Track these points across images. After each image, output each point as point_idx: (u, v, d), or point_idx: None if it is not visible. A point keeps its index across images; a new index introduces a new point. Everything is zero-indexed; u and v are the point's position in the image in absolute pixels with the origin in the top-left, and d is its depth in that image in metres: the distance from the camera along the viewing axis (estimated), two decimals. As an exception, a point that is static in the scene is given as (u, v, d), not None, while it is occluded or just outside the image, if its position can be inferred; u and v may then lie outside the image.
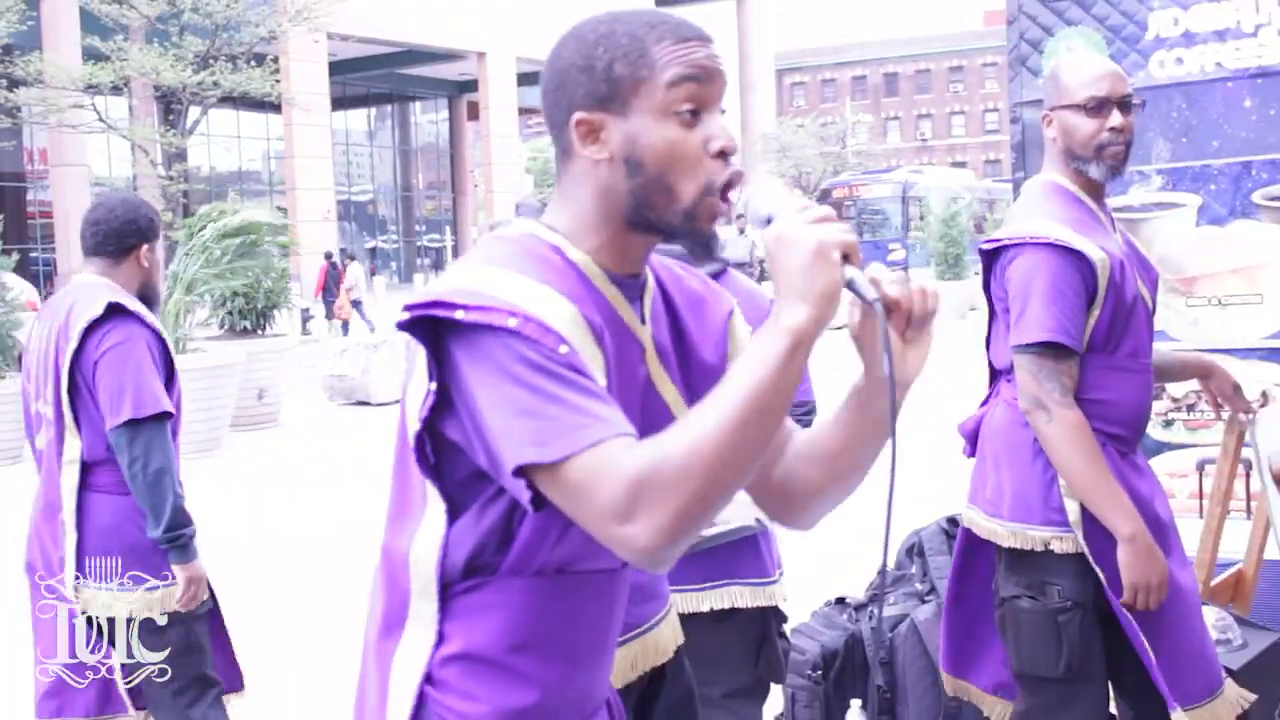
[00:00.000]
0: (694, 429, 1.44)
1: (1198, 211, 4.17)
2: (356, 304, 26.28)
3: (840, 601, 4.57)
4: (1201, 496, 4.01)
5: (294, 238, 18.41)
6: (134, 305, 3.58)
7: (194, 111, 24.19)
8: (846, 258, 1.50)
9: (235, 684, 3.83)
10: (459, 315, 1.52)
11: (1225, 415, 3.50)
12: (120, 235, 3.66)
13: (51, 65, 23.97)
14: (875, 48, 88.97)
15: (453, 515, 1.65)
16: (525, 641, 1.68)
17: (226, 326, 13.80)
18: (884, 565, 1.53)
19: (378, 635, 1.74)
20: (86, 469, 3.55)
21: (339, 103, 38.98)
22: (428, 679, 1.68)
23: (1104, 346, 2.96)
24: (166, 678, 3.57)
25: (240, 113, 41.68)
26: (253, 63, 24.41)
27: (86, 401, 3.52)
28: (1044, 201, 3.03)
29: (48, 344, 3.59)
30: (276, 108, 34.14)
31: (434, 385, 1.57)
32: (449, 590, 1.66)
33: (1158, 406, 4.21)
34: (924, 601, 4.37)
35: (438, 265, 50.14)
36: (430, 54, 44.44)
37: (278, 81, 25.11)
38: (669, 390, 1.77)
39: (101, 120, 24.35)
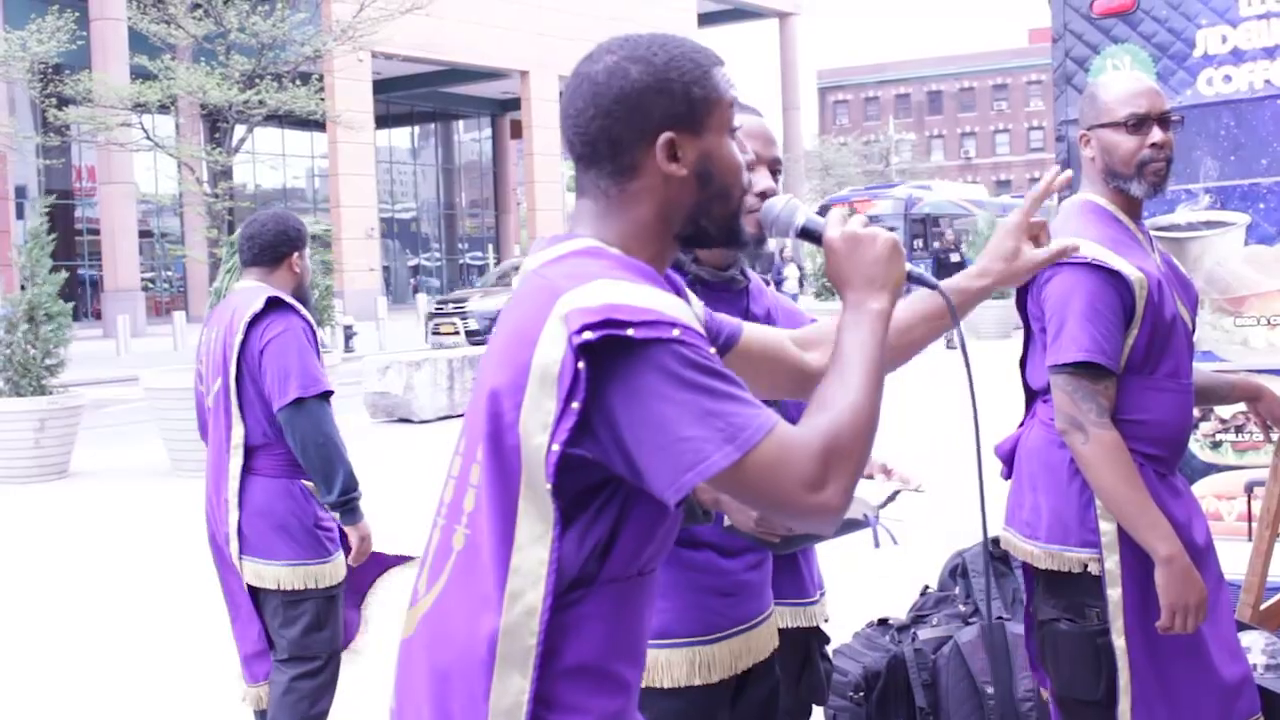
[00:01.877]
0: (845, 400, 1.64)
1: (1246, 230, 4.12)
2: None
3: (882, 622, 4.54)
4: (1250, 519, 3.95)
5: (336, 254, 18.52)
6: (289, 299, 3.99)
7: (239, 129, 24.37)
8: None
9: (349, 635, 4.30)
10: (630, 333, 1.58)
11: (1275, 437, 3.45)
12: (274, 246, 4.06)
13: (100, 84, 24.24)
14: (918, 65, 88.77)
15: (561, 533, 1.67)
16: (619, 646, 1.75)
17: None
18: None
19: (465, 668, 1.71)
20: (248, 453, 3.95)
21: (383, 121, 39.27)
22: (536, 699, 1.68)
23: (1142, 367, 2.93)
24: (292, 648, 4.00)
25: (285, 131, 42.09)
26: (298, 81, 24.61)
27: (249, 390, 3.92)
28: (1081, 221, 3.00)
29: (215, 345, 4.00)
30: (321, 126, 34.41)
31: (578, 405, 1.60)
32: (557, 605, 1.68)
33: (1205, 428, 4.16)
34: (967, 623, 4.34)
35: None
36: (473, 73, 44.67)
37: (322, 100, 25.29)
38: None
39: (149, 138, 24.57)
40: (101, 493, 10.67)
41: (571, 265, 1.69)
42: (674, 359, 1.58)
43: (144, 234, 38.91)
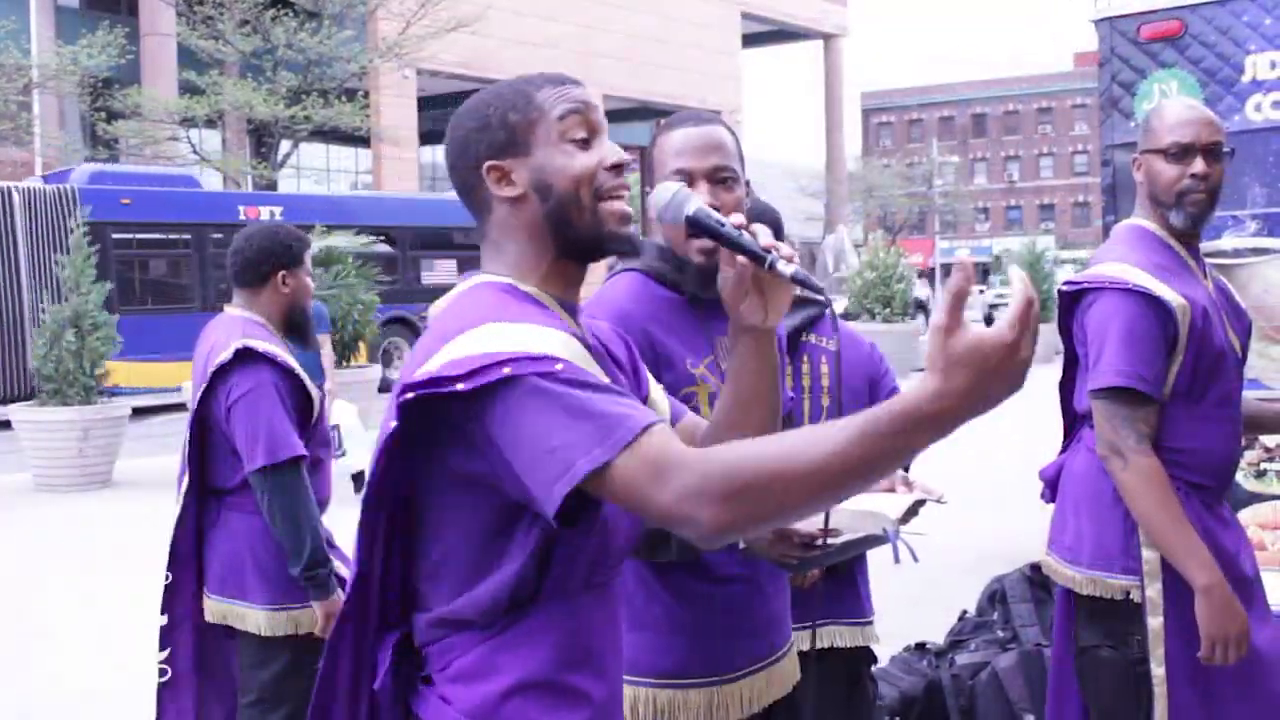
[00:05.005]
0: (808, 447, 1.46)
1: (1294, 257, 4.09)
2: None
3: (920, 647, 4.52)
4: (1294, 549, 3.91)
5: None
6: (264, 345, 3.57)
7: (285, 144, 24.62)
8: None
9: None
10: (459, 387, 1.62)
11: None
12: (257, 263, 3.70)
13: (149, 99, 24.52)
14: (963, 88, 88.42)
15: (496, 561, 1.73)
16: (572, 659, 1.77)
17: (312, 356, 13.93)
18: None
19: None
20: (216, 493, 3.64)
21: (426, 137, 39.43)
22: (487, 717, 1.74)
23: (1188, 394, 2.90)
24: (262, 690, 3.65)
25: (330, 146, 42.34)
26: (343, 98, 24.80)
27: (211, 436, 3.60)
28: (1127, 245, 2.98)
29: (196, 381, 3.66)
30: (365, 141, 34.64)
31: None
32: (496, 624, 1.74)
33: (1250, 456, 4.12)
34: (1005, 649, 4.30)
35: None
36: (518, 90, 44.84)
37: (368, 116, 25.49)
38: None
39: (196, 152, 24.86)
40: (144, 502, 10.73)
41: (446, 317, 1.76)
42: (514, 396, 1.60)
43: (189, 247, 39.26)
